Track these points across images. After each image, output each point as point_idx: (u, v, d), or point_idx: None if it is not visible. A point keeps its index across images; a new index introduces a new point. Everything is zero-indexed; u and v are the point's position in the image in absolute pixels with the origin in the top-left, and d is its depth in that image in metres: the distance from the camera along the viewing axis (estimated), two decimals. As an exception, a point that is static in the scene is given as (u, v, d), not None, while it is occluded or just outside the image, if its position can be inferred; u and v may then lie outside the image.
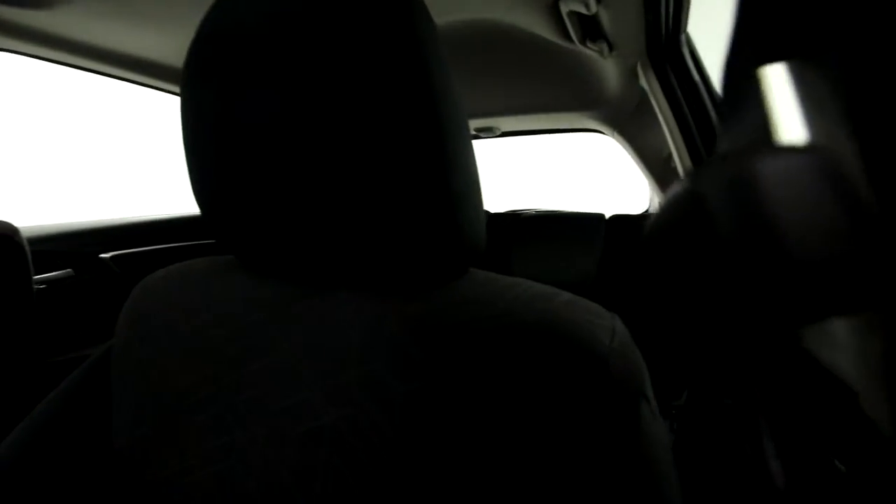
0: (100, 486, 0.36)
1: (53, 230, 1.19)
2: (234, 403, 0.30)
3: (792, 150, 0.19)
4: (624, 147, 1.71)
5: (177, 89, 1.35)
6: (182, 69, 0.32)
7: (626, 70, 1.26)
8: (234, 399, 0.30)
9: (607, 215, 1.69)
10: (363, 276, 0.30)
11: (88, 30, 0.99)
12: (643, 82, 1.21)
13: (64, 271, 1.16)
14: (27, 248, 0.61)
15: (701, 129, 1.09)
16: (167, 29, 1.04)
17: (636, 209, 1.90)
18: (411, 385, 0.25)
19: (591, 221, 1.64)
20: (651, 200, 1.91)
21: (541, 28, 1.10)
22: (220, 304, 0.33)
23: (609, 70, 1.30)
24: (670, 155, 1.69)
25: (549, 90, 1.52)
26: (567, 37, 1.10)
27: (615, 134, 1.69)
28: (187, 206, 1.67)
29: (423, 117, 0.26)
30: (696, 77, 1.12)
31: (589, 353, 0.24)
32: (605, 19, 0.99)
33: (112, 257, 1.33)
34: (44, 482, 0.36)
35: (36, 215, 1.26)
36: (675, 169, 1.68)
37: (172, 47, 1.13)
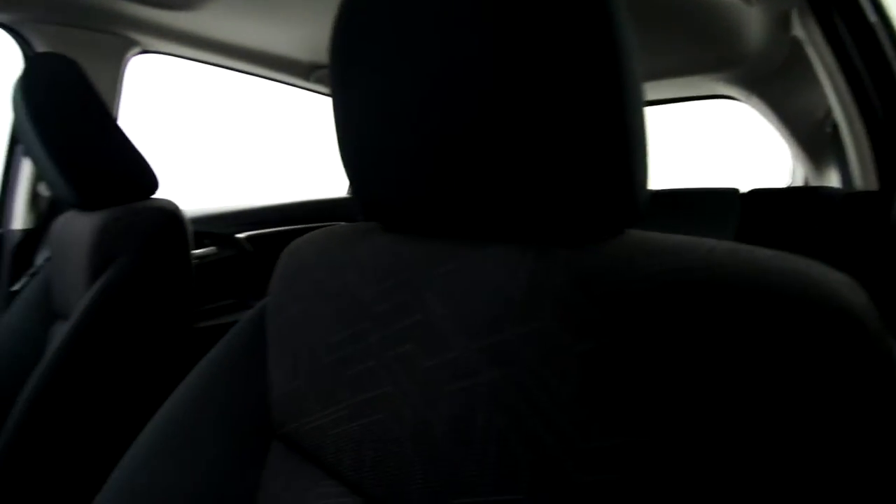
0: (259, 433, 0.39)
1: (199, 213, 1.36)
2: (385, 359, 0.30)
3: None
4: (762, 113, 1.48)
5: (300, 82, 1.45)
6: (330, 42, 0.33)
7: (775, 19, 1.07)
8: (383, 355, 0.30)
9: (743, 190, 1.48)
10: (523, 227, 0.28)
11: (224, 28, 1.09)
12: (797, 31, 1.02)
13: (208, 249, 1.32)
14: (188, 225, 0.69)
15: (879, 85, 0.90)
16: (294, 23, 1.11)
17: (774, 183, 1.65)
18: (586, 345, 0.23)
19: (723, 197, 1.46)
20: (794, 172, 1.64)
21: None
22: (367, 264, 0.34)
23: (753, 21, 1.12)
24: (824, 119, 1.42)
25: (679, 50, 1.36)
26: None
27: (752, 98, 1.47)
28: (309, 192, 1.80)
29: (603, 55, 0.24)
30: (873, 18, 0.91)
31: (843, 311, 0.19)
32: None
33: (246, 237, 1.49)
34: (212, 426, 0.40)
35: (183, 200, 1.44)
36: (830, 134, 1.41)
37: (298, 41, 1.20)
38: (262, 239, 1.53)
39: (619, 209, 0.26)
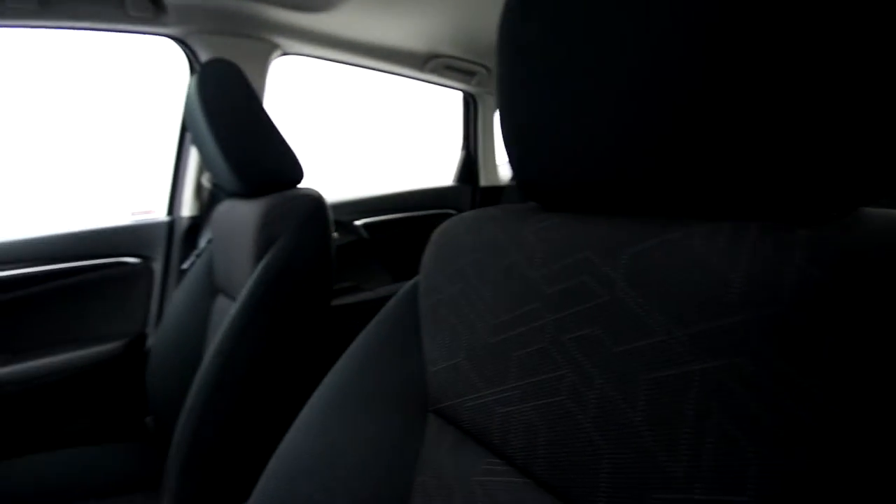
0: (416, 406, 0.40)
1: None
2: (561, 342, 0.29)
3: None
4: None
5: (415, 73, 1.50)
6: (500, 27, 0.33)
7: None
8: (559, 337, 0.29)
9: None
10: (738, 203, 0.25)
11: (353, 26, 1.15)
12: None
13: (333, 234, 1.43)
14: (330, 211, 0.75)
15: None
16: (413, 15, 1.14)
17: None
18: (835, 335, 0.20)
19: None
20: None
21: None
22: (533, 245, 0.33)
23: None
24: None
25: None
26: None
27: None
28: (419, 181, 1.86)
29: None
30: None
31: None
32: None
33: (363, 224, 1.58)
34: (373, 397, 0.42)
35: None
36: None
37: (415, 32, 1.24)
38: (376, 226, 1.62)
39: (861, 184, 0.22)
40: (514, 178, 0.37)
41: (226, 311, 0.92)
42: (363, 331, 0.46)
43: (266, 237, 0.68)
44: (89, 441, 1.07)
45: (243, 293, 0.65)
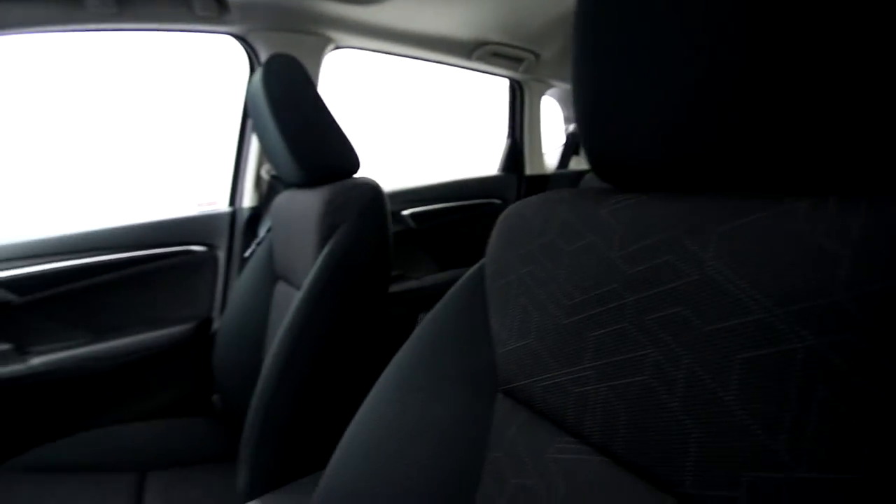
0: (484, 386, 0.41)
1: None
2: (644, 322, 0.29)
3: None
4: None
5: (461, 61, 1.50)
6: (578, 7, 0.33)
7: None
8: (642, 317, 0.29)
9: None
10: (843, 177, 0.24)
11: (403, 17, 1.17)
12: None
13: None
14: (387, 200, 0.77)
15: None
16: (461, 3, 1.14)
17: None
18: None
19: None
20: None
21: None
22: (610, 225, 0.33)
23: None
24: None
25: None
26: None
27: None
28: (462, 171, 1.86)
29: None
30: None
31: None
32: None
33: (410, 214, 1.61)
34: (441, 377, 0.43)
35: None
36: None
37: (463, 21, 1.23)
38: (423, 215, 1.64)
39: None
40: (589, 159, 0.36)
41: (286, 297, 0.96)
42: (430, 312, 0.47)
43: (329, 224, 0.70)
44: (164, 415, 1.15)
45: (309, 278, 0.68)
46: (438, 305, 0.46)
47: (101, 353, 1.14)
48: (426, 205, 1.65)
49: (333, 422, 0.71)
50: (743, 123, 0.26)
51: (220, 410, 1.25)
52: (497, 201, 1.82)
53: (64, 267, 1.09)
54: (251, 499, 0.62)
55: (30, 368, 1.05)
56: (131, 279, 1.18)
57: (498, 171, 1.88)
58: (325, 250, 0.69)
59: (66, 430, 1.04)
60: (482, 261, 0.45)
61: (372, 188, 0.75)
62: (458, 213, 1.70)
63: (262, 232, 1.26)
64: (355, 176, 0.83)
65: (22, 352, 1.06)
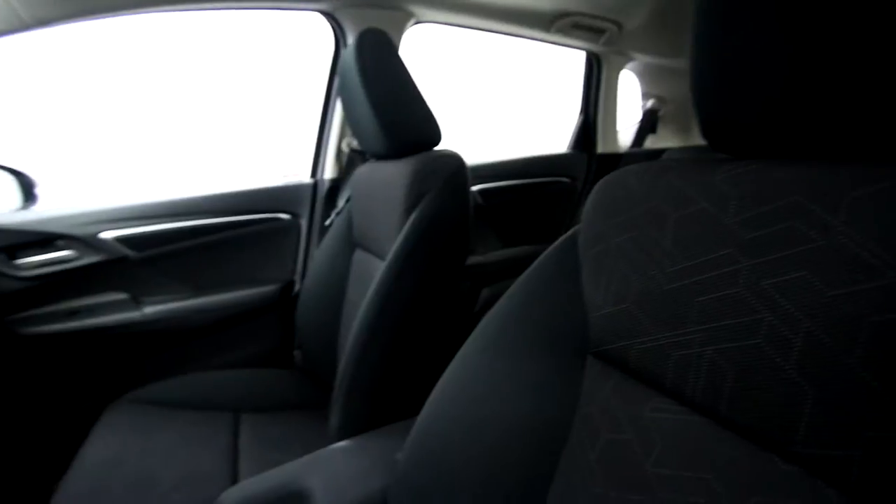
0: (574, 349, 0.43)
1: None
2: (760, 287, 0.29)
3: None
4: None
5: (540, 34, 1.47)
6: None
7: None
8: (758, 282, 0.29)
9: None
10: None
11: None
12: None
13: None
14: (468, 172, 0.79)
15: None
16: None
17: None
18: None
19: None
20: None
21: None
22: (725, 191, 0.33)
23: None
24: None
25: None
26: None
27: None
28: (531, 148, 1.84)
29: None
30: None
31: None
32: None
33: (478, 190, 1.62)
34: (530, 340, 0.45)
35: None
36: None
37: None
38: (489, 192, 1.65)
39: None
40: (703, 128, 0.36)
41: (365, 263, 1.02)
42: (520, 278, 0.49)
43: (416, 193, 0.74)
44: (251, 366, 1.27)
45: (396, 244, 0.73)
46: (528, 272, 0.48)
47: (200, 306, 1.27)
48: (494, 181, 1.65)
49: (417, 375, 0.76)
50: (865, 90, 0.25)
51: (300, 364, 1.36)
52: (565, 180, 1.79)
53: (172, 228, 1.23)
54: (341, 439, 0.68)
55: (143, 316, 1.20)
56: (226, 242, 1.30)
57: (567, 149, 1.84)
58: (412, 218, 0.73)
59: (174, 372, 1.18)
60: (574, 228, 0.46)
61: (456, 160, 0.77)
62: (525, 191, 1.69)
63: (341, 202, 1.33)
64: (436, 148, 0.86)
65: (137, 301, 1.22)
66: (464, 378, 0.48)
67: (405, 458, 0.49)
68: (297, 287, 1.38)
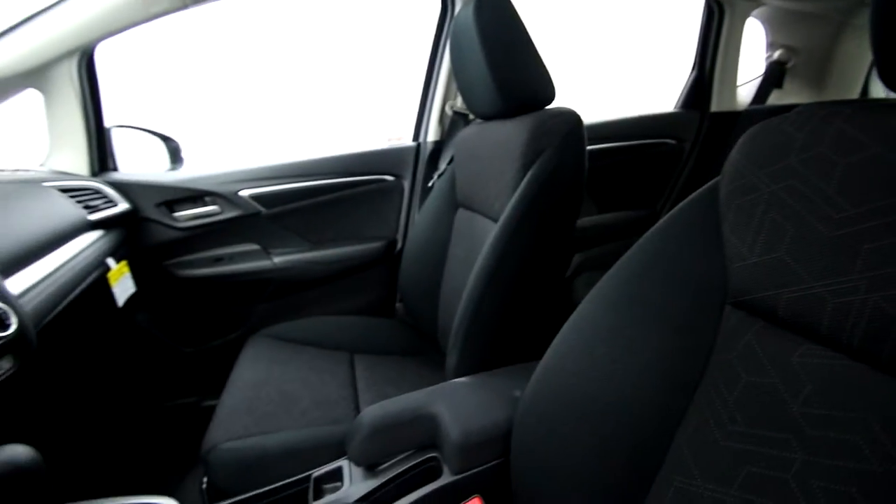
0: (710, 298, 0.43)
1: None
2: None
3: None
4: None
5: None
6: None
7: None
8: None
9: None
10: None
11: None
12: None
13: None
14: (585, 130, 0.79)
15: None
16: None
17: None
18: None
19: None
20: None
21: None
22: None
23: None
24: None
25: None
26: None
27: None
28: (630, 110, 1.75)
29: None
30: None
31: None
32: None
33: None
34: (662, 288, 0.47)
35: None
36: None
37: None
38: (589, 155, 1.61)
39: None
40: (880, 66, 0.34)
41: (468, 222, 1.07)
42: (652, 229, 0.50)
43: (533, 150, 0.76)
44: (360, 314, 1.40)
45: (511, 201, 0.76)
46: (661, 224, 0.49)
47: (317, 259, 1.42)
48: (594, 143, 1.60)
49: (528, 325, 0.81)
50: None
51: (401, 315, 1.48)
52: (671, 142, 1.68)
53: (294, 188, 1.36)
54: (457, 377, 0.75)
55: (273, 265, 1.37)
56: (339, 201, 1.42)
57: (676, 107, 1.71)
58: (528, 175, 0.75)
59: (296, 315, 1.35)
60: (715, 180, 0.46)
61: (574, 117, 0.77)
62: (627, 154, 1.62)
63: (442, 165, 1.39)
64: (549, 107, 0.86)
65: (266, 252, 1.38)
66: (590, 324, 0.50)
67: (530, 393, 0.54)
68: (399, 245, 1.48)
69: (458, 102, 1.39)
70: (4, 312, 0.59)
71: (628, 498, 0.44)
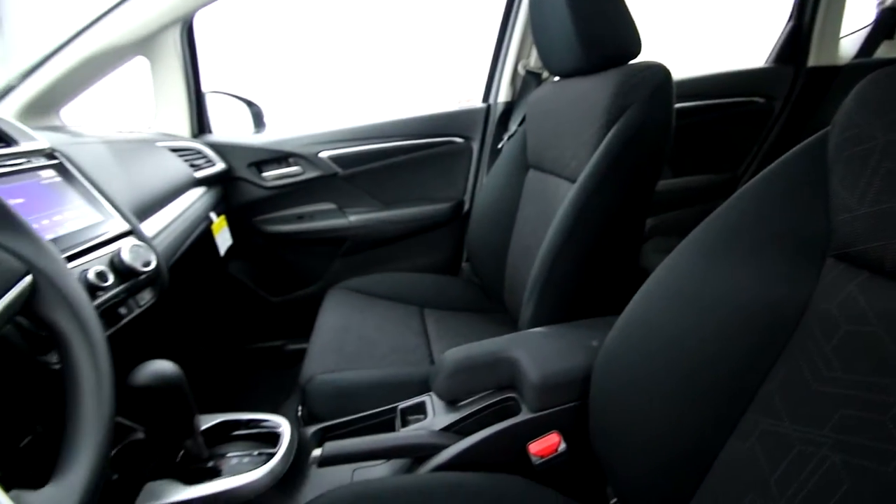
0: (810, 250, 0.43)
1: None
2: None
3: None
4: None
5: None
6: None
7: None
8: None
9: None
10: None
11: None
12: None
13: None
14: (674, 85, 0.76)
15: None
16: None
17: None
18: None
19: None
20: None
21: None
22: None
23: None
24: None
25: None
26: None
27: None
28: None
29: None
30: None
31: None
32: None
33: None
34: (759, 238, 0.47)
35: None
36: None
37: None
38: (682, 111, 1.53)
39: None
40: None
41: (540, 183, 1.07)
42: (750, 183, 0.49)
43: (620, 105, 0.74)
44: (428, 271, 1.47)
45: (593, 158, 0.76)
46: (764, 174, 0.48)
47: (388, 218, 1.49)
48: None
49: (604, 280, 0.83)
50: None
51: (467, 275, 1.53)
52: (759, 100, 1.56)
53: (368, 149, 1.42)
54: (530, 328, 0.79)
55: (349, 223, 1.46)
56: (409, 163, 1.46)
57: (768, 62, 1.58)
58: (612, 132, 0.74)
59: (370, 270, 1.43)
60: (823, 131, 0.45)
61: (663, 71, 0.75)
62: (709, 113, 1.53)
63: (513, 126, 1.39)
64: (636, 61, 0.83)
65: (342, 211, 1.47)
66: (678, 274, 0.52)
67: (612, 339, 0.57)
68: (467, 206, 1.51)
69: (531, 61, 1.36)
70: (146, 250, 0.70)
71: (709, 439, 0.47)
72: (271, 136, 1.41)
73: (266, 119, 1.60)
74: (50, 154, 0.71)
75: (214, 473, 0.65)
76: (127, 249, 0.65)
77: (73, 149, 0.77)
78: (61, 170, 0.71)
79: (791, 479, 0.39)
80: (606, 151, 0.75)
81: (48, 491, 0.29)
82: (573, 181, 0.82)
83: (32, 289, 0.35)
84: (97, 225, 0.68)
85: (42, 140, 0.71)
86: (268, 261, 1.50)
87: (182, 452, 0.65)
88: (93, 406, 0.33)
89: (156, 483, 0.61)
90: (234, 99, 1.54)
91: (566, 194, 0.82)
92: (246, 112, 1.57)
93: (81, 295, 0.38)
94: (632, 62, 0.83)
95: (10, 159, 0.64)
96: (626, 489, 0.55)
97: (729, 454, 0.45)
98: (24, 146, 0.68)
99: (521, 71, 1.35)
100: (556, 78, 1.06)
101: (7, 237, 0.35)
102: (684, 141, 1.55)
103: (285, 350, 1.50)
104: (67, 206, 0.67)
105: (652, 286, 0.55)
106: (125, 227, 0.72)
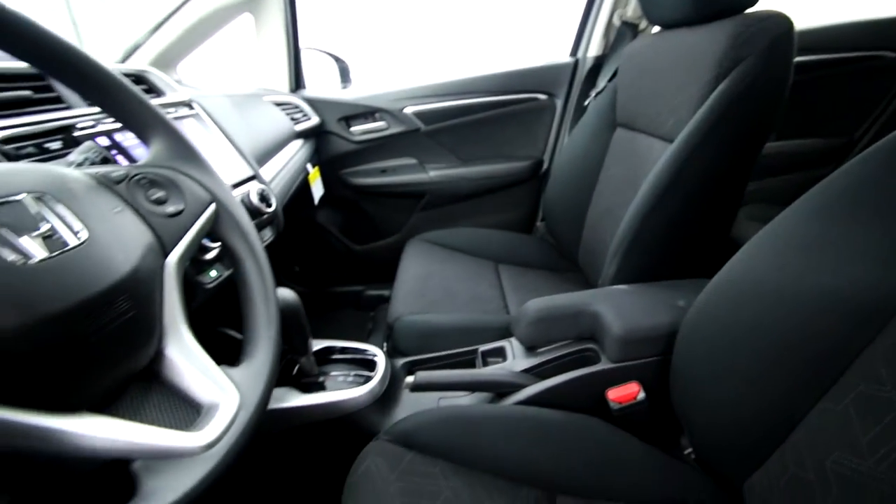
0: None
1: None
2: None
3: None
4: None
5: None
6: None
7: None
8: None
9: None
10: None
11: None
12: None
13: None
14: (796, 37, 0.70)
15: None
16: None
17: None
18: None
19: None
20: None
21: None
22: None
23: None
24: None
25: None
26: None
27: None
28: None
29: None
30: None
31: None
32: None
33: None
34: (863, 212, 0.45)
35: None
36: None
37: None
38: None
39: None
40: None
41: (629, 143, 1.05)
42: (884, 141, 0.46)
43: (732, 58, 0.70)
44: (503, 228, 1.50)
45: (698, 114, 0.72)
46: (890, 138, 0.46)
47: (465, 175, 1.52)
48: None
49: (694, 242, 0.81)
50: None
51: (542, 234, 1.54)
52: (889, 54, 1.37)
53: (450, 106, 1.44)
54: (615, 284, 0.81)
55: (429, 178, 1.51)
56: (490, 119, 1.47)
57: (906, 9, 1.37)
58: (721, 86, 0.70)
59: (447, 224, 1.49)
60: None
61: (786, 21, 0.69)
62: (826, 69, 1.37)
63: (601, 82, 1.33)
64: (753, 10, 0.77)
65: (422, 166, 1.52)
66: (787, 237, 0.51)
67: (704, 299, 0.57)
68: (545, 165, 1.50)
69: (629, 11, 1.29)
70: (268, 193, 0.79)
71: (797, 400, 0.47)
72: (360, 92, 1.47)
73: (352, 75, 1.67)
74: (188, 104, 0.81)
75: (322, 387, 0.76)
76: (255, 192, 0.74)
77: (204, 101, 0.87)
78: (197, 118, 0.81)
79: (884, 441, 0.40)
80: (711, 109, 0.71)
81: (244, 369, 0.38)
82: (670, 141, 0.79)
83: (216, 215, 0.43)
84: (228, 169, 0.78)
85: (183, 92, 0.81)
86: (352, 211, 1.60)
87: (297, 367, 0.76)
88: (264, 308, 0.41)
89: (279, 389, 0.72)
90: (324, 55, 1.60)
91: (660, 155, 0.80)
92: (334, 67, 1.64)
93: (249, 221, 0.46)
94: (747, 11, 0.77)
95: (161, 109, 0.74)
96: (704, 443, 0.57)
97: (818, 415, 0.46)
98: (169, 97, 0.78)
99: (616, 22, 1.29)
100: (656, 29, 1.01)
101: (195, 171, 0.43)
102: (792, 100, 1.41)
103: (364, 295, 1.63)
104: (205, 151, 0.77)
105: (755, 246, 0.54)
106: (250, 171, 0.81)
